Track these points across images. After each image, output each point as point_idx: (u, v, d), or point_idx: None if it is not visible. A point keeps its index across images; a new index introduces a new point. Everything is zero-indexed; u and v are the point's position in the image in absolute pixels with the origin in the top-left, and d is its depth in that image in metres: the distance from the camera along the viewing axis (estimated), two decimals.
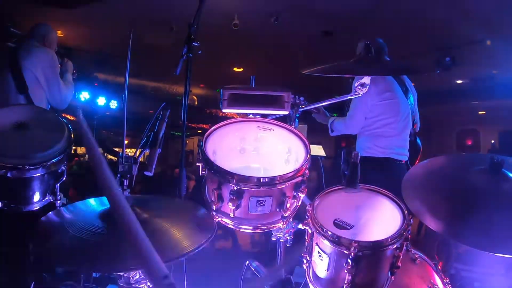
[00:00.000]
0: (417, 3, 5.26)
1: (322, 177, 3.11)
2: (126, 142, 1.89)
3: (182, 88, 2.19)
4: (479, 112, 11.09)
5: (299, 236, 1.77)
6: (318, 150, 3.79)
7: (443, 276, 1.93)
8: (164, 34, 5.98)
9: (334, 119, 3.42)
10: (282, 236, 1.95)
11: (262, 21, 5.84)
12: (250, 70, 8.45)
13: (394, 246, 1.44)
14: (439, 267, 1.98)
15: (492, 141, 10.11)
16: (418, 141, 3.49)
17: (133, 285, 1.56)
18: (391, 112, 3.21)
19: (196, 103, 9.88)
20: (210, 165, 1.54)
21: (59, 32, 6.99)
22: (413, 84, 3.51)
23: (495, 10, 5.44)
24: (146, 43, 6.46)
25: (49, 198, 1.89)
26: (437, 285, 1.81)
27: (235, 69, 8.70)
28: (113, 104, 9.09)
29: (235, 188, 1.46)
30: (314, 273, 1.55)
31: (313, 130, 3.49)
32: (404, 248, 1.88)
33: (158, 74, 8.27)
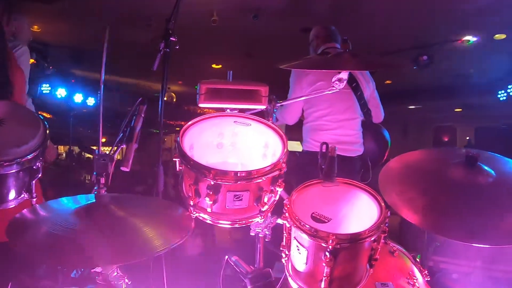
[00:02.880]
0: (396, 1, 5.33)
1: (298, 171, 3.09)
2: (104, 140, 1.86)
3: (159, 85, 2.17)
4: (456, 110, 11.32)
5: (278, 231, 1.77)
6: (296, 146, 3.79)
7: (421, 268, 1.96)
8: (143, 30, 5.91)
9: (279, 109, 3.30)
10: (260, 231, 1.95)
11: (241, 17, 5.82)
12: (229, 67, 8.32)
13: (372, 239, 1.44)
14: (417, 260, 2.01)
15: (467, 138, 10.32)
16: (386, 134, 3.27)
17: (112, 282, 1.55)
18: (325, 103, 3.05)
19: (174, 100, 9.81)
20: (186, 160, 1.52)
21: (35, 27, 6.86)
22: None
23: (474, 10, 5.54)
24: (124, 39, 6.38)
25: (25, 195, 1.84)
26: (415, 277, 1.84)
27: (213, 65, 8.66)
28: (90, 101, 8.95)
29: (212, 183, 1.45)
30: (293, 267, 1.56)
31: (292, 126, 3.49)
32: (382, 241, 1.91)
33: (136, 71, 8.17)
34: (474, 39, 6.62)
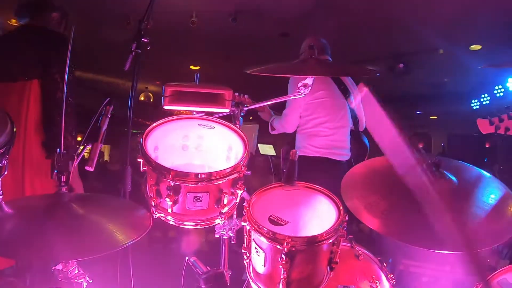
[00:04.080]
0: (372, 11, 5.41)
1: (272, 175, 3.14)
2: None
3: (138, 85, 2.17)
4: (431, 117, 11.53)
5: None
6: (268, 150, 3.82)
7: (387, 271, 1.99)
8: (120, 28, 5.87)
9: (274, 118, 3.43)
10: (225, 233, 1.96)
11: (220, 19, 5.83)
12: (207, 68, 8.41)
13: (330, 241, 1.47)
14: (384, 264, 2.04)
15: (442, 144, 10.53)
16: (365, 140, 3.50)
17: (72, 280, 1.55)
18: (324, 111, 3.23)
19: (152, 100, 9.74)
20: (148, 161, 1.53)
21: (13, 20, 6.73)
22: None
23: (449, 21, 5.66)
24: (101, 38, 6.32)
25: None
26: (379, 280, 1.85)
27: (191, 67, 8.63)
28: None
29: (172, 183, 1.46)
30: (254, 269, 1.57)
31: (267, 130, 3.53)
32: (348, 244, 1.94)
33: (112, 69, 8.09)
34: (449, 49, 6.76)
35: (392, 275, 2.00)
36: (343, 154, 3.31)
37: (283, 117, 3.34)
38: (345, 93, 3.36)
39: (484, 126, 3.02)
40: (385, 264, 2.05)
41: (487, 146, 9.01)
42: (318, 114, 3.24)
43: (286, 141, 3.38)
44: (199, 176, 1.47)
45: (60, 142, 1.59)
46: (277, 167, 3.73)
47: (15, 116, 1.76)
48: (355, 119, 3.46)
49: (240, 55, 6.78)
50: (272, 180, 3.45)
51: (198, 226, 1.65)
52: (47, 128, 2.67)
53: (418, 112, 10.65)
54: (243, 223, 1.52)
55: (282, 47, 3.95)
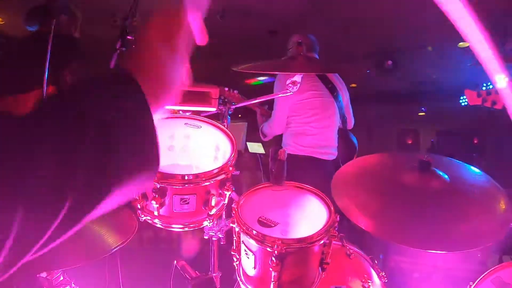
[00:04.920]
0: (360, 7, 5.40)
1: (261, 174, 3.11)
2: None
3: None
4: (419, 113, 11.59)
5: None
6: (257, 148, 3.79)
7: (378, 269, 1.97)
8: (108, 26, 5.79)
9: (263, 124, 3.43)
10: (214, 234, 1.92)
11: (207, 17, 5.77)
12: (196, 66, 8.34)
13: (321, 242, 1.44)
14: (376, 261, 2.02)
15: (432, 140, 10.59)
16: (354, 139, 3.50)
17: None
18: (311, 110, 3.22)
19: None
20: None
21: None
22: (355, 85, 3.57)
23: (438, 18, 5.66)
24: (88, 34, 6.22)
25: None
26: (370, 279, 1.83)
27: None
28: None
29: (158, 186, 1.42)
30: (244, 271, 1.54)
31: (254, 128, 3.50)
32: (339, 243, 1.92)
33: (99, 68, 8.00)
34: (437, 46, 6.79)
35: (383, 273, 1.98)
36: (330, 153, 3.30)
37: (271, 119, 3.34)
38: (333, 91, 3.35)
39: (472, 98, 3.06)
40: (376, 262, 2.03)
41: (475, 142, 9.10)
42: (305, 113, 3.22)
43: (275, 139, 3.36)
44: (185, 178, 1.43)
45: None
46: (266, 165, 3.69)
47: None
48: (343, 118, 3.46)
49: (228, 53, 6.73)
50: (261, 178, 3.41)
51: (186, 229, 1.61)
52: None
53: (406, 109, 10.68)
54: (231, 225, 1.48)
55: (270, 45, 3.91)
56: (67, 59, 2.67)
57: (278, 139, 3.36)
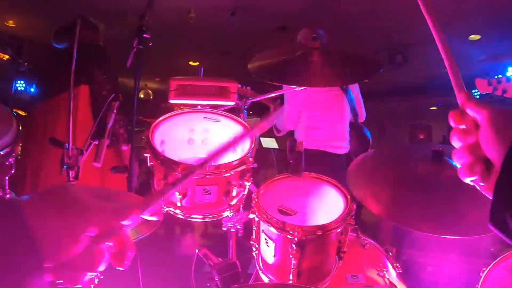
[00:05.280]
0: (370, 2, 5.40)
1: (275, 167, 3.15)
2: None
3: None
4: (431, 108, 11.53)
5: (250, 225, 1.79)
6: (271, 143, 3.83)
7: (393, 260, 2.00)
8: (119, 25, 5.86)
9: (277, 121, 3.47)
10: (232, 225, 1.97)
11: (218, 14, 5.83)
12: (206, 63, 8.42)
13: (338, 230, 1.48)
14: (390, 253, 2.06)
15: (444, 135, 10.54)
16: (367, 133, 3.51)
17: None
18: (320, 104, 3.24)
19: (151, 97, 9.74)
20: (156, 155, 1.54)
21: (10, 22, 6.73)
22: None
23: (448, 11, 5.65)
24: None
25: None
26: (386, 268, 1.86)
27: (191, 62, 8.63)
28: None
29: (180, 176, 1.46)
30: (263, 260, 1.58)
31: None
32: (354, 234, 1.95)
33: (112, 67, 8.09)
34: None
35: (398, 264, 2.01)
36: (341, 147, 3.31)
37: (282, 118, 3.38)
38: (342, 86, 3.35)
39: (482, 86, 3.06)
40: (390, 254, 2.06)
41: None
42: (314, 107, 3.25)
43: (289, 133, 3.40)
44: (207, 169, 1.48)
45: (69, 137, 1.59)
46: (280, 160, 3.73)
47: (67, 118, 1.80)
48: (354, 111, 3.47)
49: (239, 50, 6.78)
50: (276, 173, 3.45)
51: (206, 219, 1.66)
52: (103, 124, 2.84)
53: (417, 103, 10.63)
54: (251, 215, 1.53)
55: (281, 41, 3.95)
56: (95, 64, 3.06)
57: (293, 131, 3.40)
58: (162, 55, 6.38)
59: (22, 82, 8.02)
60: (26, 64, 7.74)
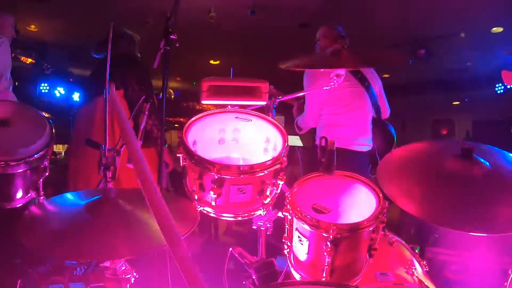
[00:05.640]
0: None
1: (300, 165, 3.16)
2: None
3: (159, 82, 2.20)
4: (454, 103, 11.36)
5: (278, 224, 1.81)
6: (295, 141, 3.85)
7: (420, 259, 2.01)
8: (140, 27, 5.94)
9: (297, 118, 3.45)
10: (262, 224, 1.99)
11: (238, 13, 5.85)
12: (227, 62, 8.45)
13: (370, 229, 1.49)
14: (416, 251, 2.06)
15: (467, 130, 10.39)
16: (392, 129, 3.45)
17: (120, 276, 1.58)
18: (341, 101, 3.21)
19: (172, 96, 9.82)
20: (191, 155, 1.57)
21: (32, 26, 6.87)
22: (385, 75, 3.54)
23: (469, 3, 5.56)
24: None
25: (32, 194, 1.87)
26: (414, 266, 1.87)
27: (211, 61, 8.67)
28: None
29: (216, 177, 1.50)
30: (295, 257, 1.60)
31: (292, 122, 3.55)
32: (382, 232, 1.96)
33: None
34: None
35: (424, 262, 2.01)
36: (364, 144, 3.27)
37: (304, 113, 3.36)
38: (363, 81, 3.31)
39: (509, 78, 3.00)
40: (416, 251, 2.06)
41: None
42: (335, 104, 3.22)
43: (312, 130, 3.39)
44: (241, 169, 1.50)
45: (105, 138, 1.63)
46: (304, 158, 3.74)
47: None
48: (377, 108, 3.41)
49: (260, 48, 6.80)
50: (300, 171, 3.46)
51: (239, 218, 1.68)
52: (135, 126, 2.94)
53: (440, 98, 10.46)
54: (284, 213, 1.55)
55: (301, 38, 3.95)
56: (131, 72, 3.28)
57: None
58: (183, 55, 6.43)
59: (46, 84, 8.17)
60: (49, 67, 7.89)
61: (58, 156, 10.11)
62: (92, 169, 1.68)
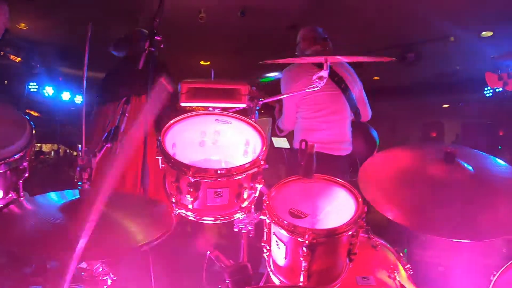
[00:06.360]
0: None
1: (286, 168, 3.14)
2: None
3: None
4: (443, 106, 11.42)
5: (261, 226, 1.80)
6: (283, 143, 3.83)
7: (404, 262, 2.00)
8: (130, 25, 5.90)
9: (278, 120, 3.41)
10: (244, 227, 1.97)
11: (228, 14, 5.84)
12: (217, 63, 8.41)
13: (349, 233, 1.48)
14: (401, 254, 2.05)
15: (457, 133, 10.46)
16: (374, 133, 3.36)
17: (96, 278, 1.56)
18: (317, 105, 3.15)
19: None
20: (168, 158, 1.55)
21: (22, 24, 6.79)
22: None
23: (459, 7, 5.59)
24: (111, 36, 6.35)
25: (12, 195, 1.85)
26: (397, 270, 1.86)
27: (202, 62, 8.64)
28: (78, 99, 8.89)
29: (192, 180, 1.48)
30: (274, 262, 1.59)
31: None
32: (365, 235, 1.95)
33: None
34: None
35: (409, 265, 2.01)
36: (342, 148, 3.21)
37: (282, 116, 3.32)
38: (340, 84, 3.22)
39: (493, 80, 3.00)
40: (401, 254, 2.06)
41: (500, 134, 8.93)
42: (311, 108, 3.17)
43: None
44: (218, 172, 1.49)
45: (82, 139, 1.60)
46: (291, 160, 3.71)
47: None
48: (356, 110, 3.32)
49: (250, 49, 6.78)
50: (285, 170, 3.44)
51: (218, 221, 1.67)
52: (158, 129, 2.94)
53: (429, 101, 10.52)
54: (262, 217, 1.54)
55: (290, 40, 3.94)
56: (154, 74, 3.21)
57: None
58: (173, 55, 6.39)
59: (35, 83, 8.11)
60: (38, 66, 7.82)
61: (47, 156, 10.04)
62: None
